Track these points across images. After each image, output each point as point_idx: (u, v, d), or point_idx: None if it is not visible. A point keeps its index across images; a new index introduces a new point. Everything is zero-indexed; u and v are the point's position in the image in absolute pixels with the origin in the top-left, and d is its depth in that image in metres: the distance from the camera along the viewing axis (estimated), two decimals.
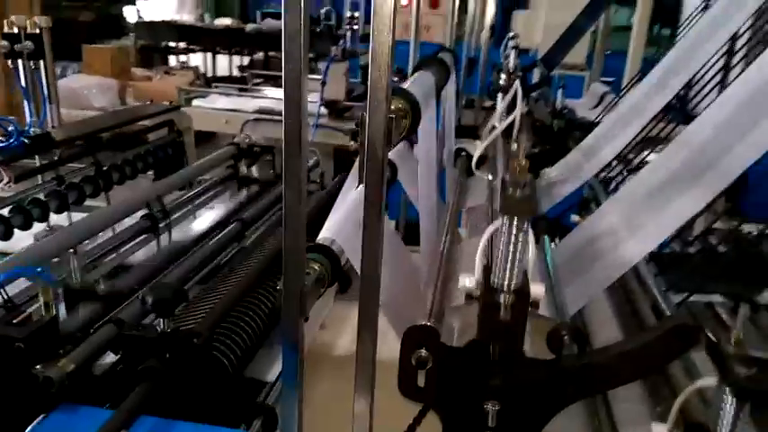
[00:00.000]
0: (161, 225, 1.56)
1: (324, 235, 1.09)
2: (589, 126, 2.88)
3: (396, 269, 1.23)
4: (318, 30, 6.81)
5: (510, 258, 0.80)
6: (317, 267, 1.01)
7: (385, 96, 0.80)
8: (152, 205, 1.58)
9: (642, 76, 1.79)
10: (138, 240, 1.51)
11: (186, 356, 0.95)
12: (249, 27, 6.75)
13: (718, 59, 1.47)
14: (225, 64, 7.39)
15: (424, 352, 0.87)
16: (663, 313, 1.20)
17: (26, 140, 1.56)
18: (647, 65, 3.39)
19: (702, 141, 1.05)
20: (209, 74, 7.06)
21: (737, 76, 1.12)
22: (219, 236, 1.46)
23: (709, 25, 1.49)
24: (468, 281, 0.86)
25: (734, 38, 1.49)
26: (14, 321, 1.01)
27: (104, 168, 1.68)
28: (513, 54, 2.82)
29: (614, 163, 1.53)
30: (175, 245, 1.51)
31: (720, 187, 0.96)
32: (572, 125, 2.99)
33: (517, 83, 1.70)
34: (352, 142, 1.45)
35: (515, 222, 0.78)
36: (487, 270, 0.84)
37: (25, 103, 1.68)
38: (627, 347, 0.84)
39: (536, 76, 3.12)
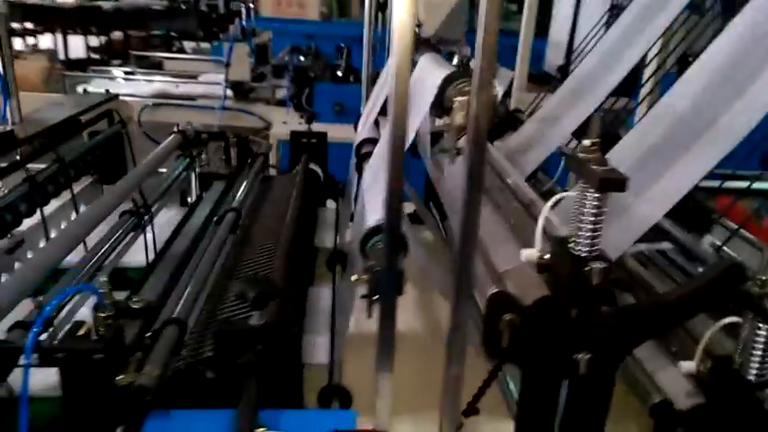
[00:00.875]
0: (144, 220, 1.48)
1: (378, 216, 1.13)
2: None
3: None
4: (184, 7, 6.51)
5: (594, 229, 0.88)
6: None
7: (489, 80, 0.85)
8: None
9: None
10: (127, 239, 1.42)
11: (279, 347, 0.96)
12: (106, 5, 6.28)
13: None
14: (75, 45, 6.82)
15: (510, 315, 0.95)
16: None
17: None
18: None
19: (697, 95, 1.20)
20: (61, 57, 6.48)
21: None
22: (219, 229, 1.42)
23: None
24: (534, 253, 0.95)
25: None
26: (79, 335, 0.95)
27: (67, 164, 1.54)
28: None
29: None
30: (169, 240, 1.44)
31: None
32: None
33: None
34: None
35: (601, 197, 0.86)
36: (563, 241, 0.92)
37: None
38: (686, 290, 0.98)
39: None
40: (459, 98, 0.84)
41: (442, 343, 0.99)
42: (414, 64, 1.51)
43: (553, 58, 4.43)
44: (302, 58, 3.42)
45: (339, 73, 3.39)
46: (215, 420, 0.91)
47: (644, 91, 2.15)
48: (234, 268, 1.34)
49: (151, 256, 1.45)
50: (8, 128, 1.49)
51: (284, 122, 3.26)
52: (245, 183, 1.71)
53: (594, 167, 0.87)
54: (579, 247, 0.88)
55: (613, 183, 0.85)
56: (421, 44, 1.55)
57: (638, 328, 0.96)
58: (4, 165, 1.35)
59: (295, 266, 1.29)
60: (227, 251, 1.39)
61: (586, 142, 0.92)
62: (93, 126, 1.88)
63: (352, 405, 1.10)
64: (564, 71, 3.97)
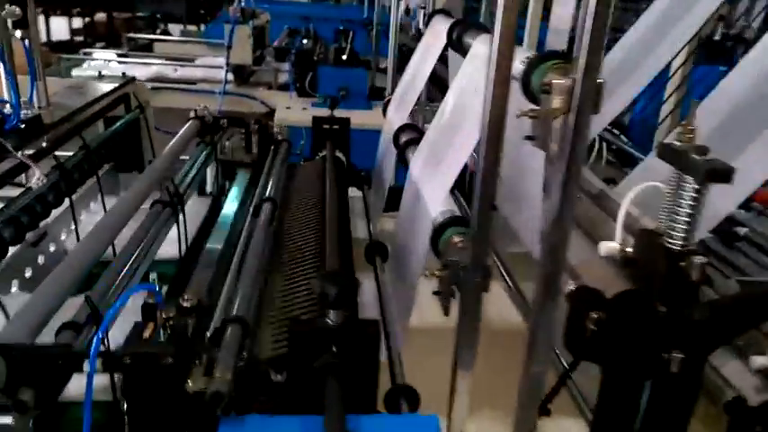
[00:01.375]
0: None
1: (442, 208, 1.08)
2: None
3: None
4: None
5: (691, 221, 0.83)
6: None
7: (597, 63, 0.79)
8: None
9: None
10: (162, 230, 1.34)
11: (355, 347, 0.90)
12: None
13: None
14: (56, 27, 6.60)
15: (596, 312, 0.90)
16: None
17: (21, 125, 1.29)
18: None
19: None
20: (43, 39, 6.27)
21: None
22: (259, 220, 1.35)
23: None
24: (615, 246, 0.91)
25: None
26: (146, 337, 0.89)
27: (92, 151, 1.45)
28: (421, 13, 2.87)
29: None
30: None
31: None
32: None
33: None
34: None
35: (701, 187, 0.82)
36: (652, 233, 0.88)
37: (4, 82, 1.39)
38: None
39: None
40: (559, 80, 0.78)
41: (487, 336, 0.95)
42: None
43: (554, 42, 4.39)
44: (304, 41, 3.33)
45: (344, 57, 3.31)
46: (291, 427, 0.85)
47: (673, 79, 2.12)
48: (278, 261, 1.28)
49: (183, 248, 1.38)
50: (35, 112, 1.39)
51: (287, 107, 3.18)
52: (273, 171, 1.64)
53: (696, 157, 0.82)
54: (673, 240, 0.84)
55: (719, 174, 0.81)
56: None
57: (731, 323, 0.93)
58: (31, 152, 1.26)
59: (344, 259, 1.23)
60: (269, 243, 1.32)
61: (680, 128, 0.88)
62: (111, 111, 1.79)
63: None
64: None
